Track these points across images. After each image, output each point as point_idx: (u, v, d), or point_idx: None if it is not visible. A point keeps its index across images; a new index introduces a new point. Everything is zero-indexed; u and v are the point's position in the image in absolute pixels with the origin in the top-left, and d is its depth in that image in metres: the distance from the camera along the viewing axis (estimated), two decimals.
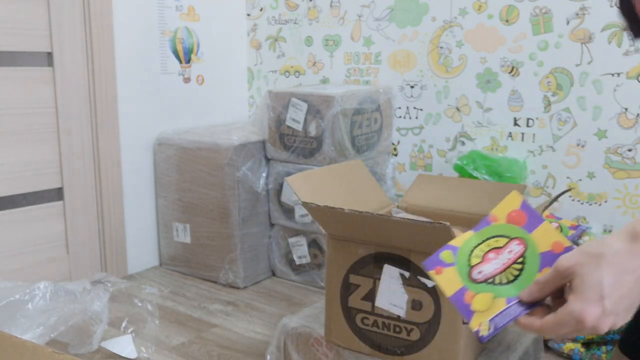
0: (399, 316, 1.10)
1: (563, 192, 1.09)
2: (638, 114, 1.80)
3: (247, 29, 2.60)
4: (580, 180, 1.91)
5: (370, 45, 2.27)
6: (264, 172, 2.15)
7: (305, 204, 1.09)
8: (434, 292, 1.05)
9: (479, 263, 0.71)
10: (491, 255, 0.72)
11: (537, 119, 1.96)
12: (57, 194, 2.05)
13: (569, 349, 1.62)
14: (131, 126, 2.20)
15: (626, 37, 1.78)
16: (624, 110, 1.81)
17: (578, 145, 1.90)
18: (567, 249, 0.66)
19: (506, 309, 0.66)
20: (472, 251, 0.73)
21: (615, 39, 1.80)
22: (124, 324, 1.78)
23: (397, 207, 1.45)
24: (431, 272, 0.72)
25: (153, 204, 2.32)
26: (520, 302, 0.66)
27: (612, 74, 1.82)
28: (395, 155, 2.28)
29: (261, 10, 2.54)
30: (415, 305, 1.08)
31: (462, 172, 1.94)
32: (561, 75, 1.90)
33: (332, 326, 1.19)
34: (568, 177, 1.93)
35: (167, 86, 2.31)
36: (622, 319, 0.58)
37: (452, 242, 0.74)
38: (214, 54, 2.47)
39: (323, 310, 1.24)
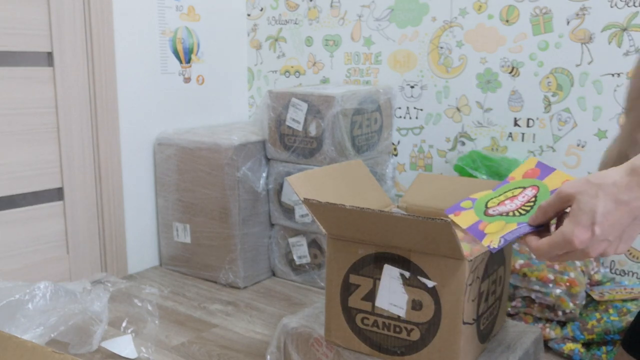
0: (399, 316, 1.10)
1: None
2: None
3: (248, 29, 2.60)
4: None
5: (371, 45, 2.27)
6: (264, 172, 2.15)
7: (306, 201, 1.09)
8: (434, 292, 1.05)
9: (494, 206, 0.79)
10: (507, 201, 0.79)
11: (537, 119, 1.96)
12: (57, 194, 2.05)
13: (569, 349, 1.62)
14: (131, 126, 2.20)
15: (626, 37, 1.78)
16: (624, 110, 1.81)
17: (578, 145, 1.90)
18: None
19: (515, 229, 0.72)
20: (489, 200, 0.81)
21: (616, 39, 1.80)
22: (124, 324, 1.78)
23: (397, 207, 1.45)
24: (450, 215, 0.81)
25: (153, 204, 2.32)
26: (529, 225, 0.72)
27: (613, 74, 1.82)
28: (395, 155, 2.28)
29: (261, 10, 2.54)
30: (415, 305, 1.08)
31: (462, 172, 1.94)
32: (561, 75, 1.90)
33: (332, 326, 1.19)
34: None
35: (167, 86, 2.31)
36: (614, 248, 0.63)
37: (473, 195, 0.82)
38: (214, 54, 2.47)
39: (323, 310, 1.24)
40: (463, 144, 2.12)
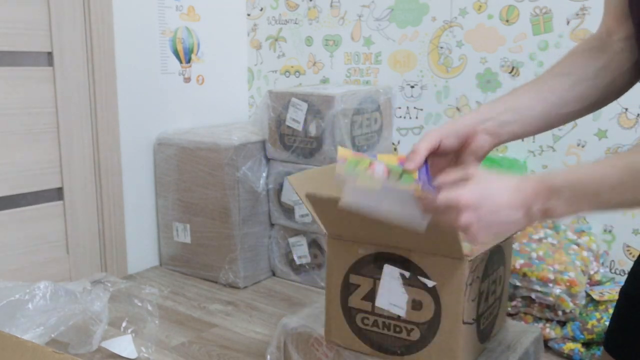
0: (399, 316, 1.10)
1: None
2: (638, 114, 1.80)
3: (247, 29, 2.60)
4: None
5: (371, 45, 2.27)
6: (264, 172, 2.15)
7: (307, 195, 1.09)
8: (434, 292, 1.05)
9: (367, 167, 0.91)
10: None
11: None
12: (57, 194, 2.05)
13: (569, 349, 1.62)
14: (131, 126, 2.20)
15: None
16: (624, 110, 1.81)
17: (578, 145, 1.90)
18: (402, 161, 0.89)
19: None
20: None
21: None
22: (124, 324, 1.78)
23: None
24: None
25: (153, 204, 2.32)
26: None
27: None
28: None
29: (261, 10, 2.54)
30: (415, 305, 1.08)
31: None
32: None
33: (332, 326, 1.19)
34: None
35: (167, 86, 2.31)
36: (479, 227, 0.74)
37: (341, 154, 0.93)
38: (214, 54, 2.47)
39: (323, 310, 1.24)
40: None
